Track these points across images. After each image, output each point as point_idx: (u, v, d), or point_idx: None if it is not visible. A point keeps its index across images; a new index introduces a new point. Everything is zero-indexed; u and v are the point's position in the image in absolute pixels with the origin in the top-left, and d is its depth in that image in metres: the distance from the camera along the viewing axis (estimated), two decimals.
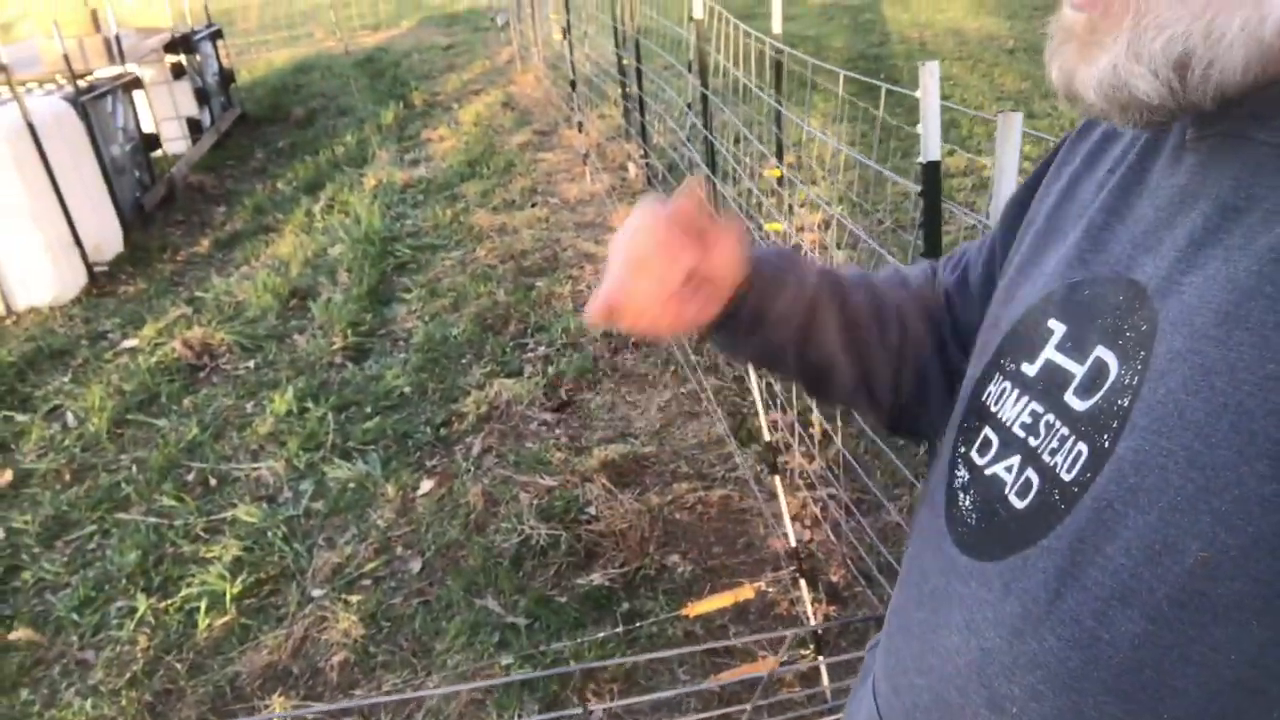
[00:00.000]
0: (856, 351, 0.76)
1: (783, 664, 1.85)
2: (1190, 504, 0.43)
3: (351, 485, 2.82)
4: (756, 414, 2.99)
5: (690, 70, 4.89)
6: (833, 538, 2.40)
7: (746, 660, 2.05)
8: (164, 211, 5.50)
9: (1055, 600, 0.49)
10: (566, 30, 5.76)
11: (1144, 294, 0.51)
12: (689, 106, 5.04)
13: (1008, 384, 0.60)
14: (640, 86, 4.87)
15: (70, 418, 3.34)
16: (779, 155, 3.84)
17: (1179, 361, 0.46)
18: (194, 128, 6.76)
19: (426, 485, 2.81)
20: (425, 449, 2.99)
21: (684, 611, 2.03)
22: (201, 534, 2.64)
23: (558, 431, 3.04)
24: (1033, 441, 0.55)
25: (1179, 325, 0.47)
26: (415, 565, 2.49)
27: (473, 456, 2.93)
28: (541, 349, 3.58)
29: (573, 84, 5.71)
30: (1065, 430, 0.52)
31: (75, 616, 2.39)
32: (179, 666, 2.20)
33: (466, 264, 4.39)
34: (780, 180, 3.56)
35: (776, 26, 3.26)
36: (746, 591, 2.03)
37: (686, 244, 0.65)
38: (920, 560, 0.65)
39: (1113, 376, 0.50)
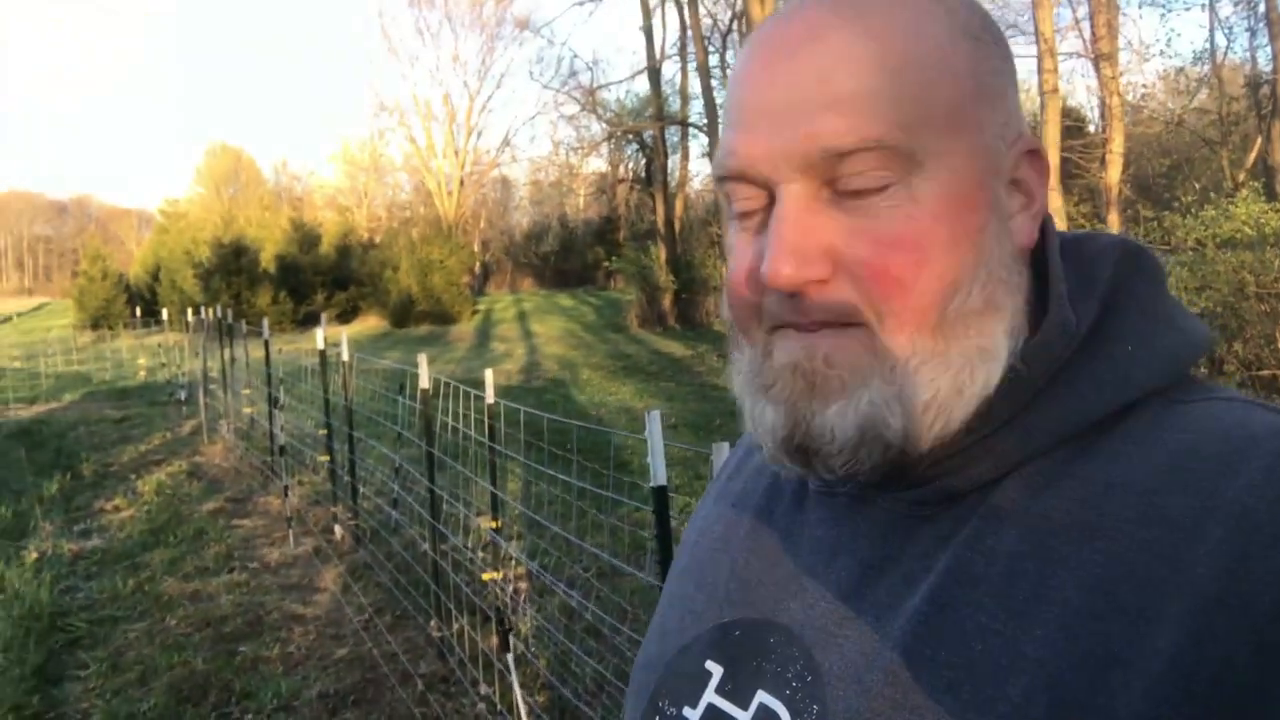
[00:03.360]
0: None
1: None
2: None
3: None
4: None
5: (398, 441, 5.22)
6: None
7: None
8: None
9: None
10: (275, 402, 5.92)
11: (798, 640, 0.52)
12: (396, 471, 5.29)
13: None
14: (352, 450, 5.08)
15: None
16: (494, 510, 4.14)
17: None
18: None
19: None
20: None
21: None
22: None
23: None
24: None
25: (848, 680, 0.48)
26: None
27: None
28: (249, 717, 3.32)
29: (282, 449, 5.77)
30: None
31: None
32: None
33: (155, 634, 4.03)
34: (497, 530, 3.83)
35: (490, 398, 3.73)
36: None
37: None
38: None
39: None
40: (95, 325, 24.54)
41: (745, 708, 0.53)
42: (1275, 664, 0.39)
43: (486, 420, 3.65)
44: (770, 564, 0.57)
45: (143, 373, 13.64)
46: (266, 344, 6.78)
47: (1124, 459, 0.47)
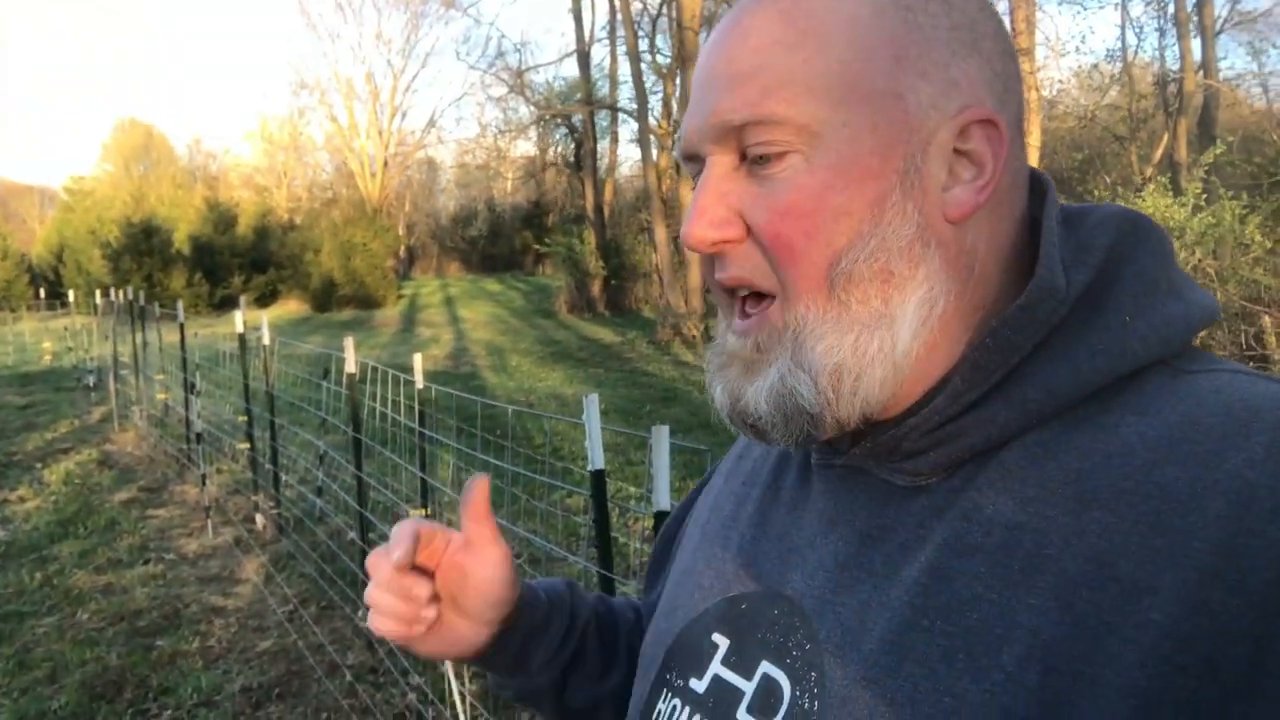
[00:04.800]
0: (620, 696, 0.73)
1: None
2: None
3: None
4: None
5: (322, 428, 5.09)
6: None
7: None
8: None
9: None
10: (191, 387, 5.72)
11: (799, 610, 0.54)
12: (321, 458, 5.17)
13: (677, 701, 0.59)
14: (274, 437, 4.93)
15: None
16: (423, 497, 4.07)
17: (857, 688, 0.48)
18: None
19: None
20: None
21: None
22: None
23: None
24: None
25: (845, 648, 0.50)
26: None
27: None
28: (168, 713, 3.20)
29: (199, 436, 5.57)
30: None
31: None
32: None
33: (65, 630, 3.86)
34: (428, 518, 3.77)
35: (419, 383, 3.66)
36: None
37: (418, 580, 0.67)
38: None
39: (788, 699, 0.51)
40: None
41: (749, 678, 0.54)
42: (1271, 640, 0.39)
43: (416, 405, 3.58)
44: (776, 538, 0.59)
45: (48, 357, 13.02)
46: (181, 327, 6.52)
47: (1124, 430, 0.47)
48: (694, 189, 0.55)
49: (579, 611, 0.77)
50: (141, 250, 23.23)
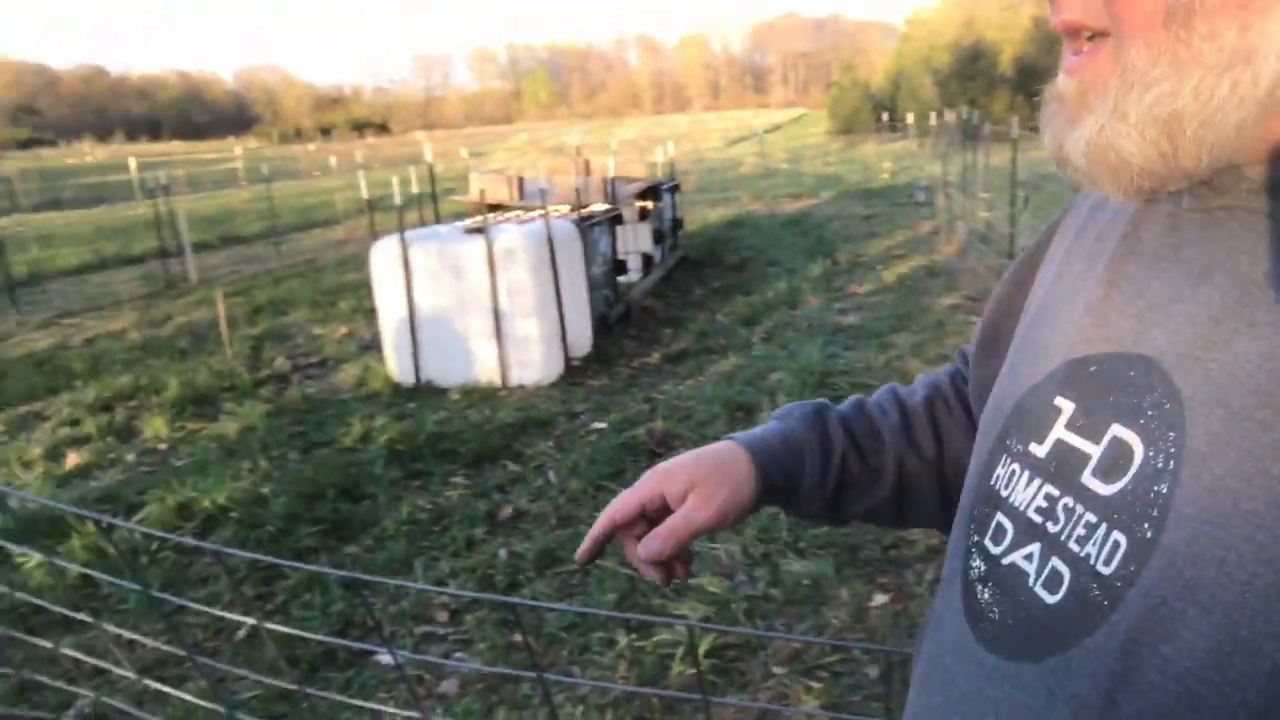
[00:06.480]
0: (902, 487, 0.81)
1: None
2: (1261, 600, 0.39)
3: (805, 581, 2.92)
4: None
5: None
6: None
7: None
8: (621, 326, 6.28)
9: (1109, 708, 0.44)
10: (1024, 201, 5.83)
11: (1159, 370, 0.48)
12: None
13: (1016, 466, 0.56)
14: None
15: (552, 475, 3.85)
16: None
17: (1222, 444, 0.42)
18: (647, 262, 7.72)
19: (880, 599, 2.83)
20: (875, 564, 3.03)
21: None
22: (668, 593, 2.88)
23: None
24: (1052, 528, 0.51)
25: (1212, 405, 0.44)
26: (873, 672, 2.49)
27: (926, 581, 2.90)
28: None
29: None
30: (1092, 516, 0.48)
31: (564, 635, 2.70)
32: (655, 702, 2.38)
33: None
34: None
35: None
36: None
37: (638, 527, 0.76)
38: (943, 661, 0.59)
39: (1139, 459, 0.47)
40: (845, 132, 27.02)
41: (1097, 441, 0.49)
42: None
43: None
44: (1133, 294, 0.52)
45: (885, 175, 14.66)
46: (1014, 145, 6.61)
47: None
48: None
49: (831, 444, 0.79)
50: (966, 75, 24.08)
